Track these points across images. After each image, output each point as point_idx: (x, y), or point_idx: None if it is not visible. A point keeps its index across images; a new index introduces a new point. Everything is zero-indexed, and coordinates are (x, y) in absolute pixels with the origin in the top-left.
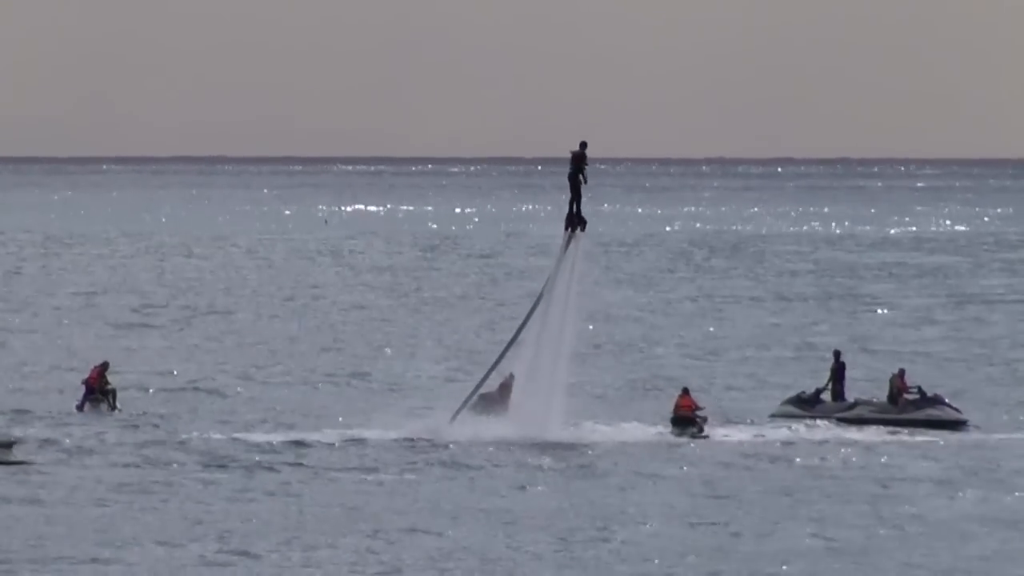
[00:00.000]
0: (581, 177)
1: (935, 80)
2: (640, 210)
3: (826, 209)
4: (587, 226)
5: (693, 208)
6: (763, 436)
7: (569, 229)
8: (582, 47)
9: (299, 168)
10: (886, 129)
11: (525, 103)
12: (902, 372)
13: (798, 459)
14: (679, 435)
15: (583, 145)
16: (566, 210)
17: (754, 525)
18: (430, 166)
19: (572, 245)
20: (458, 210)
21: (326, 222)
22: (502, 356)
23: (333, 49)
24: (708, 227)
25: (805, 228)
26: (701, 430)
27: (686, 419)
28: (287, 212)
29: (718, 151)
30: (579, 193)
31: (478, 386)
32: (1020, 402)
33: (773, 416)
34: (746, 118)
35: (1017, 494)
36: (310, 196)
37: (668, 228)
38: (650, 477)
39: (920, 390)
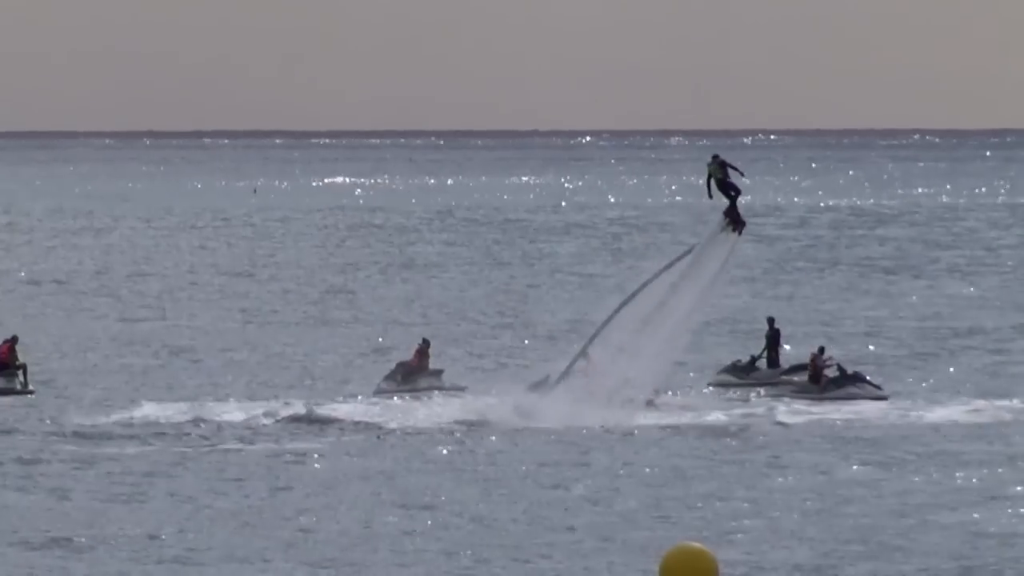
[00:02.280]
0: (731, 181)
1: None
2: (569, 185)
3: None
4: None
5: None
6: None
7: (731, 224)
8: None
9: (222, 142)
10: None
11: (453, 73)
12: (821, 349)
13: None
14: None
15: (715, 158)
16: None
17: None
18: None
19: (730, 242)
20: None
21: (255, 192)
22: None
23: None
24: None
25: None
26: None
27: None
28: (197, 185)
29: (640, 124)
30: (734, 195)
31: (574, 361)
32: (937, 374)
33: (711, 385)
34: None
35: (935, 473)
36: (238, 169)
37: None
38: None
39: (840, 367)
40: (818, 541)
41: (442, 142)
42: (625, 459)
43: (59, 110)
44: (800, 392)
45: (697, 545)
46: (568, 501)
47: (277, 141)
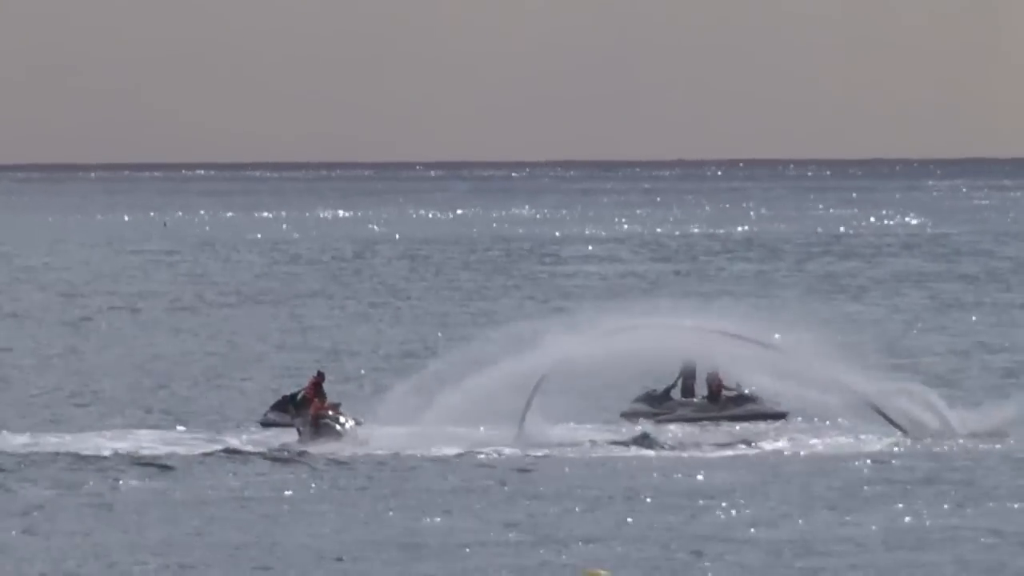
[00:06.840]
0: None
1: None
2: (465, 211)
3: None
4: None
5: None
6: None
7: None
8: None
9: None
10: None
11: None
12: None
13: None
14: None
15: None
16: None
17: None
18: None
19: None
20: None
21: (165, 224)
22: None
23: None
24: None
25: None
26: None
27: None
28: (125, 218)
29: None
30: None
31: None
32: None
33: (624, 415)
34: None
35: (830, 499)
36: (150, 202)
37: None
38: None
39: (739, 387)
40: (711, 570)
41: (367, 173)
42: (519, 489)
43: None
44: (700, 411)
45: (604, 573)
46: (469, 530)
47: (199, 172)
